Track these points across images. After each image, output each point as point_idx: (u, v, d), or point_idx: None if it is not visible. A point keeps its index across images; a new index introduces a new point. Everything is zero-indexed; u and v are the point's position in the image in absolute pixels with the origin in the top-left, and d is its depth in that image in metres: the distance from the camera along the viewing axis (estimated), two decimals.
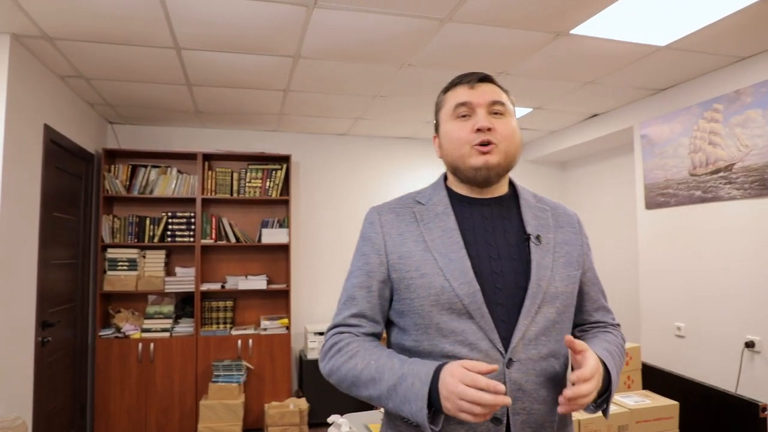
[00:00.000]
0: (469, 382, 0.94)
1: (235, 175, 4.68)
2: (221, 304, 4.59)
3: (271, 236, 4.68)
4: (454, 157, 1.19)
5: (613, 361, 1.12)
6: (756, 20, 2.69)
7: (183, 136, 4.87)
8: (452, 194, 1.24)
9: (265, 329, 4.58)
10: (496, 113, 1.17)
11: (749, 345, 3.19)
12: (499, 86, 1.22)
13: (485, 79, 1.20)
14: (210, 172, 4.60)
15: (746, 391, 3.09)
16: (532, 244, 1.14)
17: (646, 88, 3.83)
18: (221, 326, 4.55)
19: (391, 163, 5.43)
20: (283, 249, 4.80)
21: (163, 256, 4.49)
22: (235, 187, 4.67)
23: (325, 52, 3.05)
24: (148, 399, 4.24)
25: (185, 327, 4.44)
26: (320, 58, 3.16)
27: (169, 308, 4.48)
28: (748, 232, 3.22)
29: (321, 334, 4.61)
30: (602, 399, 1.10)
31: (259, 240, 4.69)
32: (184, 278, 4.48)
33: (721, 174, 3.39)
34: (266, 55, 3.09)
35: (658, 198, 3.88)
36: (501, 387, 0.93)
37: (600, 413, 1.14)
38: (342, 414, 2.41)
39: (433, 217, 1.19)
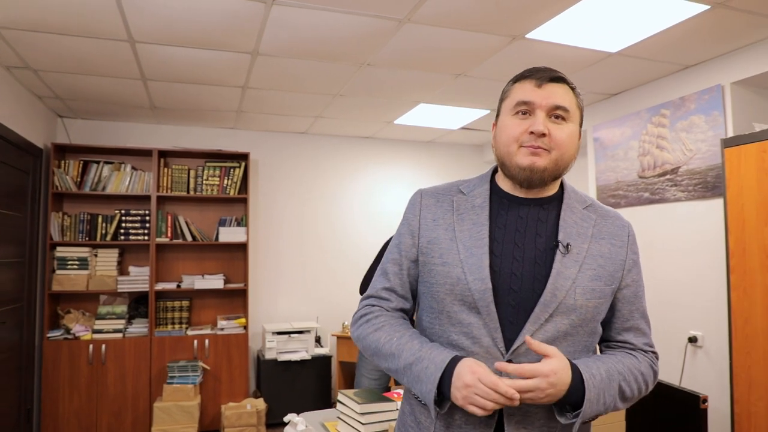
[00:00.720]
0: (489, 384, 1.00)
1: (192, 173, 4.59)
2: (177, 303, 4.50)
3: (229, 235, 4.62)
4: (503, 152, 1.17)
5: (605, 382, 1.07)
6: (698, 31, 2.82)
7: (138, 132, 4.75)
8: (495, 189, 1.22)
9: (222, 329, 4.51)
10: (558, 117, 1.13)
11: (692, 340, 3.34)
12: (571, 87, 1.18)
13: (556, 79, 1.15)
14: (166, 169, 4.50)
15: (689, 384, 3.24)
16: (558, 252, 1.12)
17: (599, 93, 3.96)
18: (177, 326, 4.46)
19: (352, 163, 5.44)
20: (241, 248, 4.74)
21: (116, 254, 4.36)
22: (191, 185, 4.58)
23: (284, 49, 3.04)
24: (100, 402, 4.12)
25: (139, 327, 4.33)
26: (279, 56, 3.14)
27: (122, 308, 4.36)
28: (691, 232, 3.37)
29: (280, 333, 4.58)
30: (573, 414, 1.06)
31: (217, 239, 4.61)
32: (138, 277, 4.37)
33: (667, 176, 3.53)
34: (224, 51, 3.06)
35: (610, 199, 4.01)
36: (517, 396, 0.99)
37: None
38: (299, 413, 2.41)
39: (469, 208, 1.19)
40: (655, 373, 1.19)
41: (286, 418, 2.37)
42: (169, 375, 4.17)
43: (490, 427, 1.11)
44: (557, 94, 1.13)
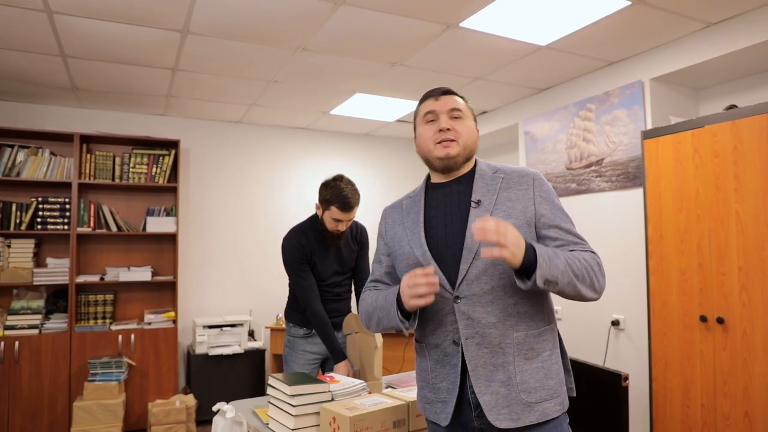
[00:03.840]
0: (410, 276, 1.36)
1: (118, 160, 4.37)
2: (100, 297, 4.26)
3: (157, 225, 4.43)
4: (425, 151, 1.55)
5: (551, 252, 1.32)
6: (621, 27, 2.96)
7: (58, 115, 4.47)
8: (429, 184, 1.61)
9: (149, 323, 4.32)
10: (455, 117, 1.52)
11: (615, 323, 3.50)
12: (459, 96, 1.57)
13: (447, 92, 1.55)
14: (89, 156, 4.26)
15: (612, 365, 3.39)
16: (472, 208, 1.45)
17: (530, 87, 4.08)
18: (100, 321, 4.23)
19: (288, 155, 5.35)
20: (170, 239, 4.55)
21: (32, 245, 4.08)
22: (117, 173, 4.36)
23: (215, 27, 2.94)
24: (12, 403, 3.84)
25: (57, 323, 4.07)
26: (210, 35, 3.03)
27: (38, 303, 4.08)
28: (614, 221, 3.53)
29: (211, 327, 4.44)
30: (530, 273, 1.28)
31: (144, 229, 4.41)
32: (57, 270, 4.11)
33: (593, 168, 3.69)
34: (152, 27, 2.92)
35: None
36: (431, 269, 1.35)
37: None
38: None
39: (412, 205, 1.60)
40: (599, 265, 1.41)
41: (215, 408, 2.29)
42: (91, 372, 3.94)
43: (458, 353, 1.42)
44: (450, 102, 1.53)
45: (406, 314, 1.43)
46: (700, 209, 2.77)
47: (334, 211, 2.53)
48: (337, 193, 2.51)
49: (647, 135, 3.07)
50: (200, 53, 3.30)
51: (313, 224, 2.70)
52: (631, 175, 3.40)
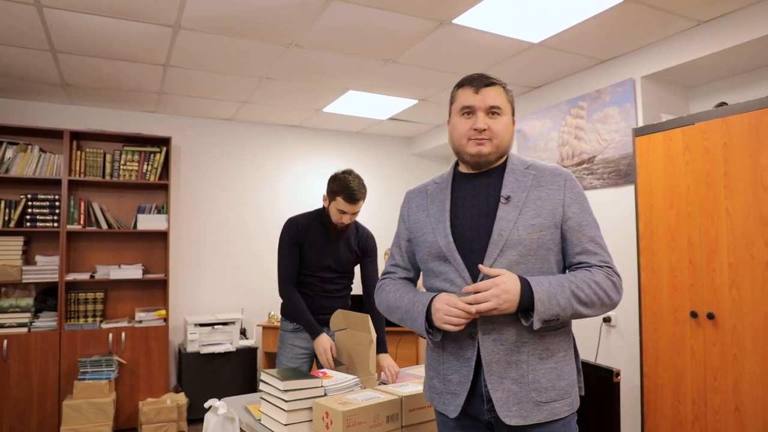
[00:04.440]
0: (450, 304, 1.35)
1: (108, 157, 4.34)
2: (90, 295, 4.23)
3: (148, 223, 4.40)
4: (456, 144, 1.52)
5: (555, 287, 1.34)
6: (613, 25, 2.98)
7: (48, 111, 4.42)
8: (457, 173, 1.58)
9: (140, 322, 4.29)
10: (493, 113, 1.46)
11: (606, 320, 3.52)
12: (501, 86, 1.50)
13: (488, 84, 1.47)
14: (79, 152, 4.23)
15: (603, 360, 3.41)
16: (501, 203, 1.43)
17: (523, 85, 4.09)
18: (90, 319, 4.19)
19: (280, 153, 5.33)
20: (162, 236, 4.53)
21: (21, 242, 4.04)
22: (107, 170, 4.33)
23: (207, 22, 2.92)
24: (0, 403, 3.80)
25: (47, 321, 4.03)
26: (202, 30, 3.02)
27: (27, 301, 4.04)
28: (605, 217, 3.54)
29: (202, 325, 4.42)
30: (530, 314, 1.33)
31: (135, 227, 4.38)
32: (46, 267, 4.07)
33: (584, 165, 3.71)
34: (143, 22, 2.90)
35: None
36: (471, 309, 1.32)
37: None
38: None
39: (437, 191, 1.57)
40: (614, 284, 1.42)
41: (207, 404, 2.28)
42: (81, 371, 3.91)
43: (474, 348, 1.41)
44: (490, 96, 1.47)
45: (431, 324, 1.44)
46: (691, 206, 2.79)
47: (339, 202, 2.57)
48: (345, 184, 2.56)
49: (638, 132, 3.08)
50: (192, 49, 3.29)
51: (318, 215, 2.74)
52: (622, 173, 3.42)
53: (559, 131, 3.93)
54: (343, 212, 2.59)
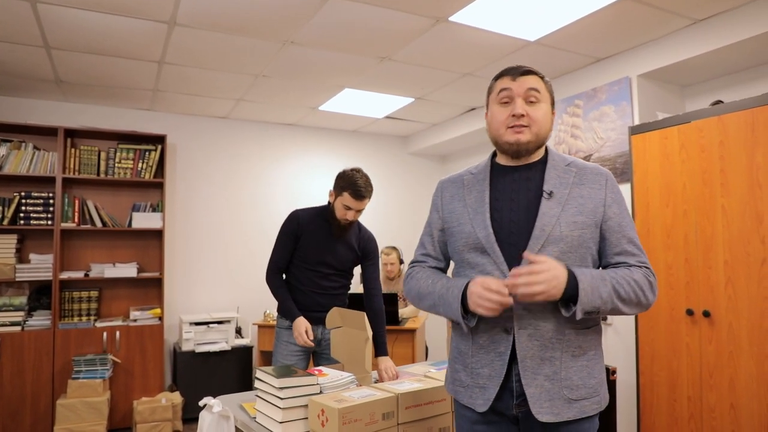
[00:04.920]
0: (485, 286, 1.34)
1: (103, 155, 4.31)
2: (84, 294, 4.21)
3: (143, 221, 4.38)
4: (495, 134, 1.49)
5: (597, 279, 1.33)
6: (610, 23, 2.98)
7: (42, 109, 4.40)
8: (494, 165, 1.56)
9: (135, 320, 4.27)
10: (532, 101, 1.44)
11: (604, 319, 3.51)
12: (541, 78, 1.48)
13: (526, 72, 1.47)
14: (73, 150, 4.20)
15: None
16: (543, 198, 1.42)
17: None
18: (84, 318, 4.17)
19: (276, 151, 5.32)
20: (157, 235, 4.51)
21: (15, 240, 4.01)
22: (102, 168, 4.30)
23: (203, 19, 2.91)
24: None
25: (41, 320, 4.00)
26: (197, 27, 3.00)
27: (20, 299, 4.01)
28: None
29: (198, 324, 4.40)
30: (573, 304, 1.32)
31: (130, 225, 4.36)
32: (40, 266, 4.05)
33: None
34: (138, 18, 2.88)
35: None
36: (505, 290, 1.30)
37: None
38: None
39: (475, 182, 1.54)
40: (651, 285, 1.41)
41: (201, 402, 2.27)
42: (75, 370, 3.89)
43: (508, 342, 1.40)
44: (529, 81, 1.46)
45: (466, 309, 1.42)
46: (687, 204, 2.79)
47: (345, 197, 2.60)
48: (352, 181, 2.60)
49: (634, 131, 3.08)
50: (187, 46, 3.27)
51: (323, 211, 2.76)
52: (618, 171, 3.42)
53: (555, 129, 3.93)
54: (349, 208, 2.62)
